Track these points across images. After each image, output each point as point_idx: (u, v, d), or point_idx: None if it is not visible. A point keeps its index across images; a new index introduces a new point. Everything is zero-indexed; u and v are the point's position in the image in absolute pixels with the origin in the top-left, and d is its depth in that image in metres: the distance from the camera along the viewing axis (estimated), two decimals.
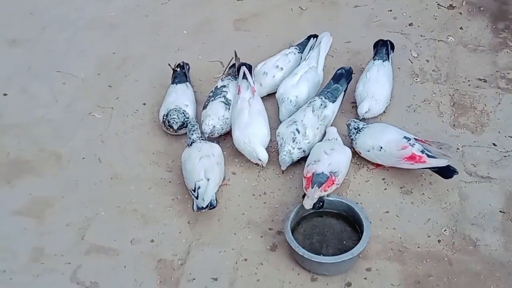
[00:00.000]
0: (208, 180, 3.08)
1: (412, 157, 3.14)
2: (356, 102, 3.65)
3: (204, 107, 3.53)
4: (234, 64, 3.79)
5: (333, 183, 3.04)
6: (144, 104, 3.80)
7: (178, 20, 4.47)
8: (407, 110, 3.69)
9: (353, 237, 2.98)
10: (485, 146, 3.46)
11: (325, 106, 3.44)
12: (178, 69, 3.83)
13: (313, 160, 3.13)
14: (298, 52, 3.91)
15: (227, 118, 3.45)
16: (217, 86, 3.63)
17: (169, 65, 3.85)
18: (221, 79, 3.70)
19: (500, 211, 3.14)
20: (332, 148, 3.19)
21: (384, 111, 3.64)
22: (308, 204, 3.00)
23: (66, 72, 4.06)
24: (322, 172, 3.02)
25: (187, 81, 3.76)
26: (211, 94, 3.61)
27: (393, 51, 3.85)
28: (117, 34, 4.38)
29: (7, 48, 4.31)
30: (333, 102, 3.48)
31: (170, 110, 3.49)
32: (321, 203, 3.03)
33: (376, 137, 3.26)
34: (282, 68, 3.79)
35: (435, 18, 4.34)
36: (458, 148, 3.45)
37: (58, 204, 3.29)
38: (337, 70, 3.65)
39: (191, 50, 4.21)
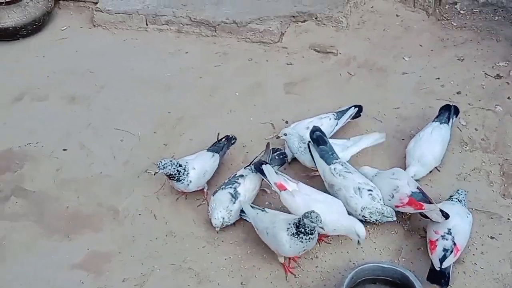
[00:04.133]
0: None
1: (432, 243, 3.18)
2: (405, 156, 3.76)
3: (214, 193, 3.50)
4: (221, 140, 3.83)
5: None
6: None
7: (231, 82, 4.63)
8: (457, 179, 3.73)
9: None
10: None
11: (344, 164, 3.50)
12: (221, 141, 3.84)
13: (393, 189, 3.34)
14: (335, 119, 3.95)
15: (231, 210, 3.38)
16: (235, 174, 3.57)
17: (218, 134, 3.88)
18: (244, 168, 3.62)
19: None
20: (393, 173, 3.45)
21: (437, 168, 3.74)
22: (439, 218, 3.18)
23: (124, 130, 4.23)
24: (412, 192, 3.29)
25: (218, 152, 3.74)
26: (226, 180, 3.56)
27: (456, 116, 3.94)
28: (172, 94, 4.55)
29: (67, 104, 4.51)
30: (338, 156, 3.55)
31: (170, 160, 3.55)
32: (444, 212, 3.19)
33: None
34: None
35: (483, 87, 4.41)
36: (509, 218, 3.47)
37: (115, 259, 3.40)
38: (313, 134, 3.59)
39: (243, 111, 4.35)
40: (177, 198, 3.69)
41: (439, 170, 3.77)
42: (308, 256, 3.32)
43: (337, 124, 3.95)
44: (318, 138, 3.56)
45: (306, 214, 3.04)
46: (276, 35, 4.92)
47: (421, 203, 3.25)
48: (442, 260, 3.09)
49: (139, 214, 3.64)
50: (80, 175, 3.92)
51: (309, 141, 3.61)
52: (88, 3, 5.46)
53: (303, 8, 5.00)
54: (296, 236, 3.07)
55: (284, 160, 3.73)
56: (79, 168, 3.97)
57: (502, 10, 5.03)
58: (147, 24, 5.17)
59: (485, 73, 4.53)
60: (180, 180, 3.53)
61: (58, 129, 4.28)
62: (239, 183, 3.48)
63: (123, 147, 4.11)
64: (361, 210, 3.33)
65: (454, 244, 3.14)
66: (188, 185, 3.56)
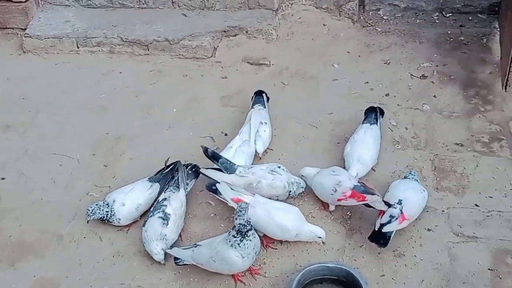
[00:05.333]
0: None
1: (381, 211, 3.42)
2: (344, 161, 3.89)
3: (144, 224, 3.46)
4: (169, 166, 3.76)
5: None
6: None
7: (167, 99, 4.66)
8: (392, 176, 3.88)
9: None
10: (468, 207, 3.66)
11: (241, 165, 3.71)
12: (167, 169, 3.76)
13: (335, 184, 3.49)
14: (264, 108, 4.21)
15: (165, 235, 3.37)
16: (158, 200, 3.55)
17: (166, 161, 3.79)
18: (164, 191, 3.59)
19: (489, 269, 3.31)
20: (333, 170, 3.62)
21: (373, 168, 3.89)
22: (382, 206, 3.39)
23: (62, 154, 4.20)
24: (354, 186, 3.46)
25: (159, 181, 3.70)
26: (152, 208, 3.55)
27: (382, 116, 4.12)
28: (108, 115, 4.55)
29: (2, 133, 4.44)
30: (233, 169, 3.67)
31: (98, 202, 3.58)
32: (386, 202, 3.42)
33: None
34: (266, 123, 4.09)
35: (410, 88, 4.62)
36: (443, 210, 3.65)
37: (63, 285, 3.37)
38: (207, 152, 3.72)
39: (182, 127, 4.40)
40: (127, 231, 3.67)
41: (374, 170, 3.92)
42: (255, 263, 3.37)
43: (267, 112, 4.21)
44: (213, 154, 3.72)
45: (237, 215, 3.07)
46: (209, 50, 4.99)
47: (364, 194, 3.42)
48: (384, 224, 3.33)
49: (84, 237, 3.62)
50: (21, 202, 3.87)
51: (198, 168, 3.73)
52: (16, 30, 5.39)
53: (233, 22, 5.11)
54: (244, 240, 3.09)
55: (198, 173, 3.75)
56: (19, 196, 3.91)
57: (422, 13, 5.30)
58: (78, 47, 5.15)
59: (411, 74, 4.74)
60: (110, 221, 3.57)
61: None
62: (166, 205, 3.46)
63: (62, 171, 4.07)
64: (288, 186, 3.58)
65: (402, 212, 3.35)
66: (119, 222, 3.58)
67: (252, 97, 4.35)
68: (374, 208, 3.42)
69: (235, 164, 3.67)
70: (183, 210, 3.55)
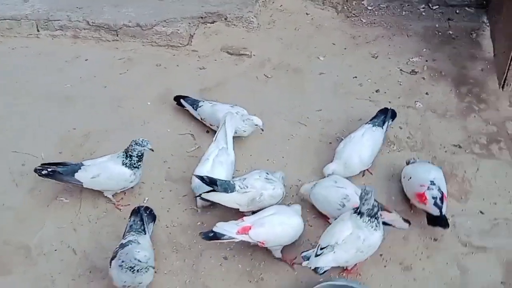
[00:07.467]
0: None
1: (421, 195, 3.27)
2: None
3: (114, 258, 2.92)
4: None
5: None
6: None
7: (140, 90, 4.26)
8: (390, 180, 3.64)
9: None
10: (473, 215, 3.45)
11: (238, 179, 3.36)
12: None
13: (342, 198, 3.20)
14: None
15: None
16: (122, 242, 3.00)
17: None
18: (124, 237, 3.08)
19: (501, 282, 3.11)
20: (335, 181, 3.34)
21: (369, 171, 3.67)
22: (402, 224, 3.15)
23: (24, 152, 3.74)
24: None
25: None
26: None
27: (392, 120, 3.85)
28: (75, 107, 4.12)
29: None
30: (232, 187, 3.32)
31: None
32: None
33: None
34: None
35: (400, 84, 4.37)
36: (448, 218, 3.40)
37: None
38: (203, 180, 3.28)
39: (158, 122, 4.02)
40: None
41: (371, 173, 3.66)
42: (252, 278, 3.07)
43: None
44: (210, 179, 3.27)
45: (363, 200, 2.89)
46: (185, 38, 4.60)
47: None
48: (438, 206, 3.19)
49: (55, 250, 3.22)
50: None
51: (199, 195, 3.30)
52: None
53: (211, 8, 4.73)
54: (378, 219, 2.95)
55: (154, 214, 3.33)
56: None
57: (408, 5, 5.06)
58: (38, 31, 4.68)
59: (401, 70, 4.49)
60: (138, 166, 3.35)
61: None
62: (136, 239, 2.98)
63: (26, 172, 3.63)
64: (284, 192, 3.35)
65: (441, 192, 3.24)
66: (134, 173, 3.34)
67: (178, 100, 4.04)
68: (392, 225, 3.14)
69: (231, 182, 3.30)
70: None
